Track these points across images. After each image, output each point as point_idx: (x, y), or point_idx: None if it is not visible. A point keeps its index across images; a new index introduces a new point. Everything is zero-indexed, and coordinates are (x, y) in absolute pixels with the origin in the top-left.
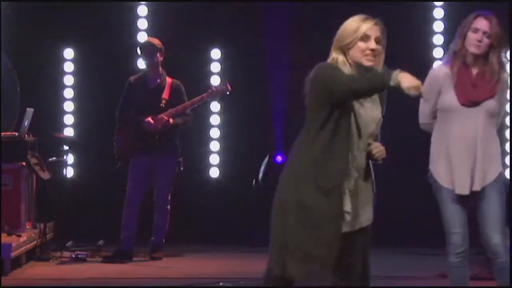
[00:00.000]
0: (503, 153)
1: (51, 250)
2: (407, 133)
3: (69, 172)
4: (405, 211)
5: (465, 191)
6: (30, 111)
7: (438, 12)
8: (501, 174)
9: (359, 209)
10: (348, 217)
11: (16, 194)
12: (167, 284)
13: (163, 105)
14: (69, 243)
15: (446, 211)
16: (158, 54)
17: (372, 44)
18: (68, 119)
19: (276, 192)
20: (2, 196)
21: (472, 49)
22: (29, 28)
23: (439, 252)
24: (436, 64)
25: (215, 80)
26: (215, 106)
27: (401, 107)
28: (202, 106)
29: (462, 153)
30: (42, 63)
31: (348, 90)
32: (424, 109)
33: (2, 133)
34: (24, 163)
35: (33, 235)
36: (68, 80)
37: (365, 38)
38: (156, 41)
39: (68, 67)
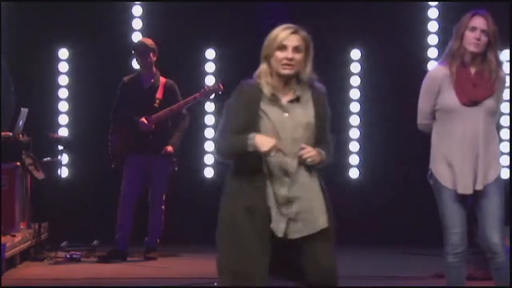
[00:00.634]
0: None
1: (46, 250)
2: (406, 133)
3: (64, 172)
4: (405, 211)
5: (469, 191)
6: (24, 111)
7: (433, 12)
8: (500, 174)
9: (297, 217)
10: (281, 227)
11: (10, 194)
12: (162, 284)
13: (157, 105)
14: (64, 243)
15: (446, 211)
16: (151, 54)
17: (288, 54)
18: (63, 119)
19: None
20: None
21: (471, 47)
22: (23, 28)
23: (438, 252)
24: (431, 64)
25: (209, 80)
26: (209, 106)
27: (400, 108)
28: (197, 106)
29: (465, 152)
30: (36, 63)
31: (215, 153)
32: (423, 109)
33: None
34: (18, 163)
35: (27, 235)
36: (63, 80)
37: (282, 47)
38: (149, 41)
39: (63, 67)
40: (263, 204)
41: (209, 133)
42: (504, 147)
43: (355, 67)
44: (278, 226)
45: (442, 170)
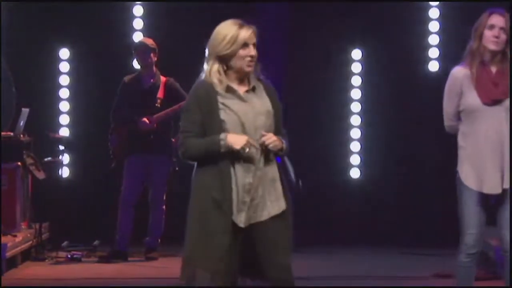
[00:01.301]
0: None
1: (47, 250)
2: (407, 133)
3: (65, 172)
4: (406, 211)
5: (497, 190)
6: (25, 111)
7: (434, 12)
8: None
9: (256, 204)
10: (242, 217)
11: (11, 194)
12: (162, 284)
13: (159, 105)
14: (65, 243)
15: (465, 211)
16: (151, 54)
17: (251, 51)
18: (64, 119)
19: None
20: None
21: (491, 46)
22: (24, 28)
23: (438, 252)
24: (432, 64)
25: None
26: None
27: (401, 108)
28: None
29: (490, 152)
30: (37, 63)
31: (182, 155)
32: (447, 111)
33: None
34: (19, 163)
35: (28, 235)
36: (64, 80)
37: (244, 46)
38: (149, 41)
39: (64, 67)
40: (227, 197)
41: None
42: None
43: (356, 67)
44: (239, 216)
45: (466, 171)
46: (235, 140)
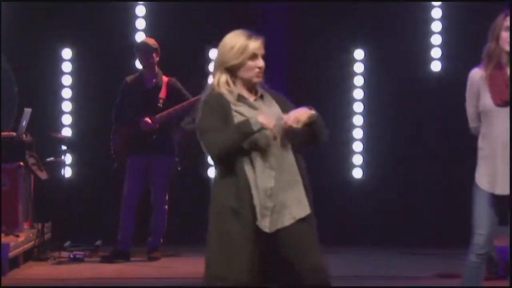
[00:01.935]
0: None
1: (49, 250)
2: (409, 133)
3: (67, 172)
4: (407, 211)
5: (506, 191)
6: (28, 111)
7: (436, 12)
8: None
9: (280, 208)
10: (266, 222)
11: (14, 194)
12: (165, 284)
13: (161, 105)
14: (67, 243)
15: (476, 211)
16: (154, 54)
17: (260, 63)
18: (66, 119)
19: None
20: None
21: (507, 47)
22: (27, 28)
23: (439, 252)
24: (434, 64)
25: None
26: None
27: (403, 108)
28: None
29: (502, 153)
30: (40, 63)
31: (217, 155)
32: (469, 112)
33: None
34: (22, 163)
35: (31, 235)
36: (66, 80)
37: (253, 57)
38: (151, 41)
39: (66, 67)
40: (248, 204)
41: None
42: None
43: (359, 67)
44: (263, 222)
45: (480, 171)
46: (267, 120)
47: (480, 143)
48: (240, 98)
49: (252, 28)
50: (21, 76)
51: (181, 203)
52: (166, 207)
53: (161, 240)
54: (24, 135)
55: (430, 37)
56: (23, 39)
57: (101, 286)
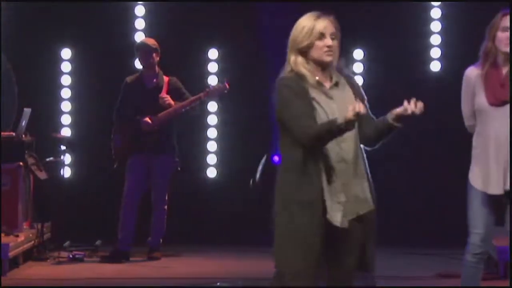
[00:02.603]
0: None
1: (49, 250)
2: (422, 133)
3: (67, 172)
4: (405, 211)
5: (499, 191)
6: (27, 111)
7: (436, 12)
8: None
9: (349, 201)
10: (338, 216)
11: (13, 194)
12: (164, 284)
13: (163, 105)
14: (67, 243)
15: (470, 211)
16: (154, 54)
17: (328, 41)
18: (66, 119)
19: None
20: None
21: (504, 48)
22: (26, 28)
23: (439, 252)
24: (434, 64)
25: (212, 80)
26: (212, 106)
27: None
28: (200, 106)
29: (496, 153)
30: (39, 63)
31: (306, 144)
32: (464, 111)
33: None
34: (21, 163)
35: (30, 235)
36: (66, 80)
37: (321, 36)
38: (151, 41)
39: (66, 67)
40: (318, 197)
41: (211, 133)
42: None
43: (358, 67)
44: (335, 216)
45: (473, 170)
46: (353, 108)
47: (474, 141)
48: (318, 84)
49: (252, 28)
50: (21, 76)
51: (181, 203)
52: (166, 207)
53: (161, 240)
54: (23, 135)
55: (430, 37)
56: (22, 39)
57: (101, 286)
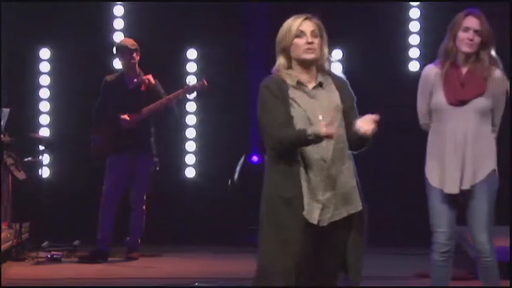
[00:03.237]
0: None
1: (27, 250)
2: (400, 133)
3: (45, 172)
4: (402, 211)
5: (455, 190)
6: (6, 111)
7: (414, 12)
8: (492, 173)
9: (331, 201)
10: (315, 214)
11: None
12: (143, 284)
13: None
14: (45, 243)
15: (433, 210)
16: (134, 54)
17: (307, 38)
18: (44, 119)
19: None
20: None
21: (465, 48)
22: (4, 28)
23: (419, 251)
24: (413, 64)
25: (191, 80)
26: (191, 106)
27: (381, 107)
28: (179, 109)
29: (452, 152)
30: (18, 63)
31: (270, 148)
32: (420, 109)
33: None
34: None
35: (8, 235)
36: (44, 80)
37: (300, 34)
38: (131, 42)
39: (44, 67)
40: (299, 194)
41: (190, 133)
42: None
43: (337, 67)
44: (312, 213)
45: (431, 169)
46: (329, 130)
47: (430, 139)
48: (299, 84)
49: (232, 29)
50: None
51: (159, 203)
52: (144, 207)
53: (140, 240)
54: (2, 135)
55: (408, 37)
56: (0, 38)
57: (80, 286)
